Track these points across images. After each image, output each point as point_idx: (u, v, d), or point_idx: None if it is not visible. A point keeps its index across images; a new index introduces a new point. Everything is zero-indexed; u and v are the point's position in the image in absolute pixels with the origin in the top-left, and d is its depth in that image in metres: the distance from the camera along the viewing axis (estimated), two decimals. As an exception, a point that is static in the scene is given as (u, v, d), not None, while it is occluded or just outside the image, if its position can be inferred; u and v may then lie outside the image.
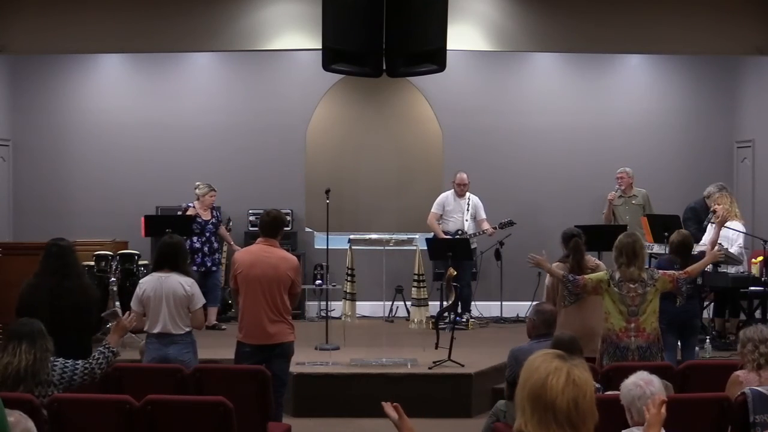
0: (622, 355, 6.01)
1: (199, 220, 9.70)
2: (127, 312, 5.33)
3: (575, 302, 6.27)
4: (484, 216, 10.17)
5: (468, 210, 10.14)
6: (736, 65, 11.26)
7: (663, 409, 3.37)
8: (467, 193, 10.20)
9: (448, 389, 7.59)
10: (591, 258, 6.77)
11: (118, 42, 9.37)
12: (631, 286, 6.07)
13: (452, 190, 10.26)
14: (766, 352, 4.85)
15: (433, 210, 10.27)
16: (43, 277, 5.85)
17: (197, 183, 9.89)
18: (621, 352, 6.05)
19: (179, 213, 9.86)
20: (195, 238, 9.67)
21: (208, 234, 9.80)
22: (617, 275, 6.17)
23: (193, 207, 9.77)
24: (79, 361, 4.86)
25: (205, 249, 9.77)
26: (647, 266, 6.61)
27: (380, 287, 8.73)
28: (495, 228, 10.07)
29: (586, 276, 6.25)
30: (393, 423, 2.95)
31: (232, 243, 9.97)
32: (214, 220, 9.88)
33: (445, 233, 10.05)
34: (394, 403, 2.99)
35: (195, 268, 9.55)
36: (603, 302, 6.16)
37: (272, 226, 6.23)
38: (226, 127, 11.19)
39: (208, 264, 9.78)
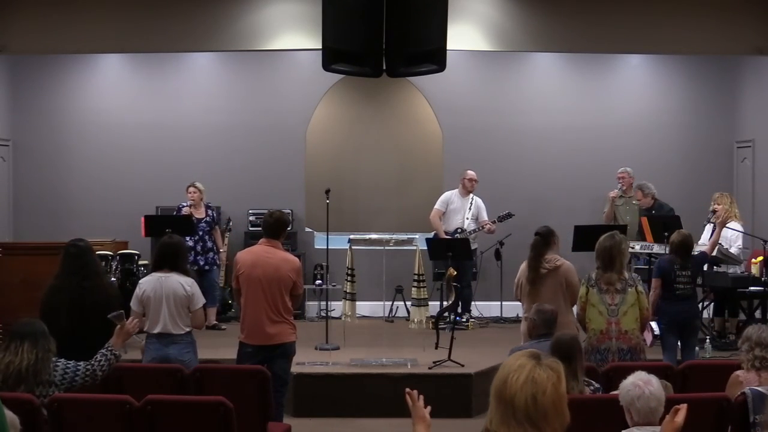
0: (602, 358, 5.97)
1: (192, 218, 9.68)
2: (131, 317, 5.32)
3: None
4: (486, 218, 10.18)
5: (470, 209, 10.15)
6: (736, 65, 11.26)
7: (680, 417, 3.39)
8: (471, 195, 10.21)
9: (448, 389, 7.58)
10: (553, 257, 6.64)
11: (118, 42, 9.36)
12: (609, 285, 6.07)
13: (457, 189, 10.26)
14: (760, 356, 4.80)
15: (436, 207, 10.27)
16: (63, 279, 5.87)
17: None
18: (601, 354, 6.01)
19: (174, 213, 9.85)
20: (187, 237, 9.61)
21: (200, 233, 9.72)
22: (594, 275, 6.17)
23: (187, 207, 9.77)
24: (81, 363, 4.86)
25: (198, 248, 9.68)
26: (648, 266, 6.60)
27: (380, 287, 8.74)
28: (494, 222, 10.08)
29: (579, 313, 6.27)
30: (410, 408, 2.99)
31: (221, 248, 9.92)
32: (207, 218, 9.82)
33: (445, 232, 10.05)
34: (410, 390, 3.02)
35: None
36: (586, 311, 6.17)
37: (275, 227, 6.25)
38: (226, 127, 11.18)
39: (201, 263, 9.67)
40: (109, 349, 4.97)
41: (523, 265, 6.79)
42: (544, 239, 6.64)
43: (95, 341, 5.05)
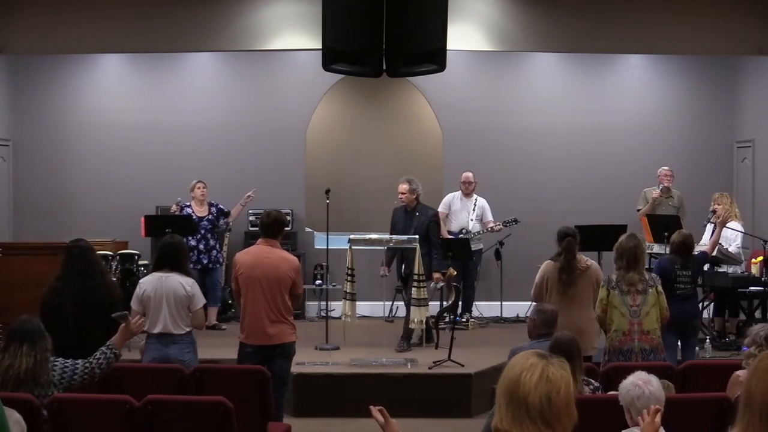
0: (626, 359, 5.99)
1: (193, 217, 9.64)
2: (138, 316, 5.31)
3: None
4: (490, 218, 10.15)
5: (474, 210, 10.14)
6: (736, 65, 11.26)
7: (658, 418, 3.38)
8: (474, 195, 10.20)
9: (448, 389, 7.59)
10: (583, 258, 6.65)
11: (118, 42, 9.36)
12: (631, 286, 6.08)
13: (459, 191, 10.26)
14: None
15: (439, 209, 10.24)
16: (67, 280, 5.86)
17: None
18: (624, 355, 6.04)
19: (173, 211, 9.80)
20: (189, 237, 9.59)
21: (203, 231, 9.70)
22: (614, 277, 6.17)
23: (189, 205, 9.74)
24: (79, 361, 4.85)
25: (201, 246, 9.66)
26: (648, 266, 6.61)
27: (380, 287, 8.73)
28: (500, 224, 10.04)
29: (596, 312, 6.25)
30: (380, 426, 2.95)
31: (229, 219, 9.97)
32: (210, 216, 9.80)
33: (449, 233, 10.04)
34: (379, 407, 2.97)
35: (191, 266, 9.52)
36: (608, 313, 6.15)
37: (272, 227, 6.25)
38: (226, 127, 11.18)
39: (204, 261, 9.66)
40: (110, 347, 4.94)
41: (548, 266, 6.65)
42: (576, 239, 6.61)
43: (101, 341, 5.05)
